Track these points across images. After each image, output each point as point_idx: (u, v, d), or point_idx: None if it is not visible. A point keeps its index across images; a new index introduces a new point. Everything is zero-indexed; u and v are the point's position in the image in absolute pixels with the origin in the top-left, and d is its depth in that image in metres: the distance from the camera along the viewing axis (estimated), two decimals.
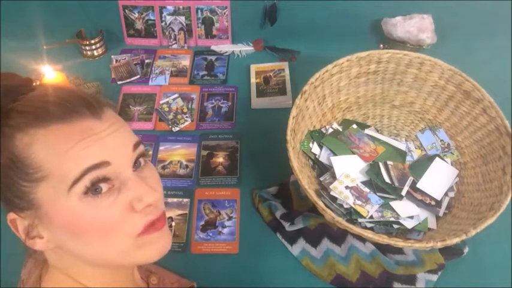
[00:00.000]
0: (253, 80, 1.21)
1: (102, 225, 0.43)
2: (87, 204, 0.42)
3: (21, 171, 0.41)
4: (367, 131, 1.00)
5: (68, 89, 0.46)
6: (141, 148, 0.47)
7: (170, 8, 1.26)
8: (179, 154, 1.05)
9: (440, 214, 0.89)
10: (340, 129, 0.99)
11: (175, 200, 0.97)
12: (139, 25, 1.29)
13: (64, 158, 0.41)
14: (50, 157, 0.41)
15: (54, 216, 0.42)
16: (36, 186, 0.41)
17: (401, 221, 0.86)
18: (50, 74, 1.09)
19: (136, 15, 1.28)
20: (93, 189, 0.42)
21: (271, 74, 1.22)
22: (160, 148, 1.06)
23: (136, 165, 0.46)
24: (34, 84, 0.46)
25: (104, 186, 0.42)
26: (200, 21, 1.27)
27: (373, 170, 0.91)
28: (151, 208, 0.45)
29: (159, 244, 0.47)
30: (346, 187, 0.88)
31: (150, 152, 1.05)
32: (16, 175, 0.41)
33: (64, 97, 0.43)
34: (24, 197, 0.42)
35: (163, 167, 1.03)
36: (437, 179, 0.92)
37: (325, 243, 0.88)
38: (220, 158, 1.04)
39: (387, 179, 0.90)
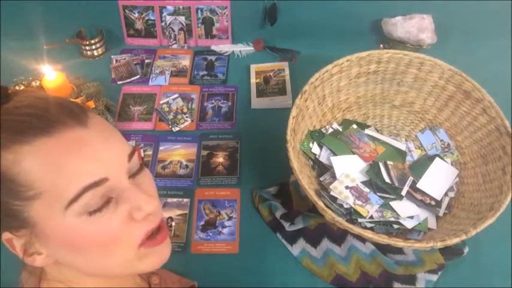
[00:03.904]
0: (253, 80, 1.21)
1: (102, 240, 0.42)
2: (85, 220, 0.40)
3: (11, 190, 0.39)
4: (367, 131, 1.00)
5: (47, 98, 0.43)
6: (136, 157, 0.45)
7: (170, 8, 1.26)
8: (179, 154, 1.05)
9: (440, 214, 0.89)
10: (340, 129, 0.99)
11: (175, 200, 0.97)
12: (139, 25, 1.29)
13: (58, 175, 0.39)
14: (41, 174, 0.38)
15: (51, 234, 0.41)
16: (29, 205, 0.39)
17: (401, 221, 0.86)
18: (50, 74, 1.09)
19: (136, 15, 1.28)
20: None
21: (271, 74, 1.22)
22: (160, 148, 1.06)
23: (132, 171, 0.45)
24: (9, 92, 0.43)
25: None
26: (200, 21, 1.27)
27: (373, 170, 0.91)
28: (151, 217, 0.44)
29: (161, 254, 0.46)
30: (346, 187, 0.88)
31: (150, 152, 1.05)
32: (6, 194, 0.39)
33: (44, 107, 0.40)
34: (17, 216, 0.40)
35: (163, 167, 1.03)
36: (437, 179, 0.92)
37: (325, 243, 0.88)
38: (220, 158, 1.04)
39: (387, 179, 0.90)
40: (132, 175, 0.45)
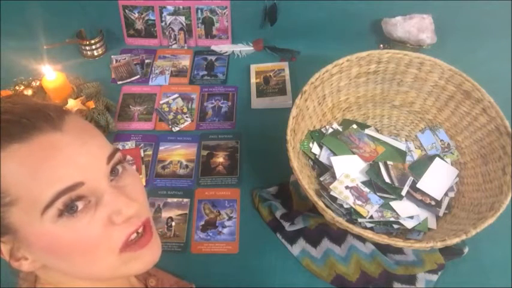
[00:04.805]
0: (253, 80, 1.21)
1: (82, 245, 0.41)
2: (63, 225, 0.40)
3: None
4: (367, 131, 1.00)
5: (25, 103, 0.42)
6: (117, 157, 0.44)
7: (170, 8, 1.26)
8: (179, 154, 1.05)
9: (440, 214, 0.89)
10: (340, 129, 0.99)
11: (175, 200, 0.97)
12: (139, 25, 1.29)
13: (32, 181, 0.38)
14: (16, 180, 0.38)
15: (32, 240, 0.40)
16: (8, 211, 0.39)
17: (401, 221, 0.86)
18: (50, 74, 1.09)
19: (136, 15, 1.28)
20: (68, 209, 0.40)
21: (271, 74, 1.22)
22: (160, 148, 1.06)
23: (113, 173, 0.44)
24: None
25: (79, 204, 0.40)
26: (200, 21, 1.27)
27: (373, 170, 0.91)
28: (133, 219, 0.43)
29: (146, 258, 0.45)
30: (346, 187, 0.88)
31: (150, 152, 1.05)
32: None
33: (20, 113, 0.40)
34: None
35: (163, 167, 1.03)
36: (437, 179, 0.92)
37: (325, 243, 0.88)
38: (220, 158, 1.04)
39: (387, 179, 0.90)
40: (115, 176, 0.44)
